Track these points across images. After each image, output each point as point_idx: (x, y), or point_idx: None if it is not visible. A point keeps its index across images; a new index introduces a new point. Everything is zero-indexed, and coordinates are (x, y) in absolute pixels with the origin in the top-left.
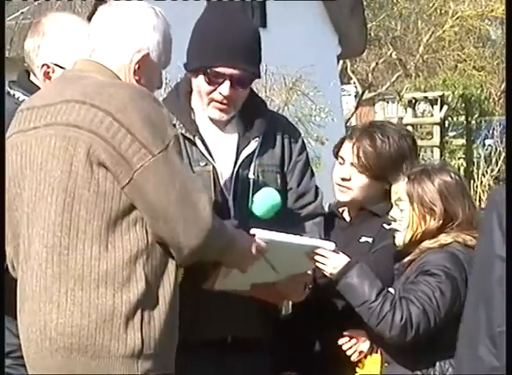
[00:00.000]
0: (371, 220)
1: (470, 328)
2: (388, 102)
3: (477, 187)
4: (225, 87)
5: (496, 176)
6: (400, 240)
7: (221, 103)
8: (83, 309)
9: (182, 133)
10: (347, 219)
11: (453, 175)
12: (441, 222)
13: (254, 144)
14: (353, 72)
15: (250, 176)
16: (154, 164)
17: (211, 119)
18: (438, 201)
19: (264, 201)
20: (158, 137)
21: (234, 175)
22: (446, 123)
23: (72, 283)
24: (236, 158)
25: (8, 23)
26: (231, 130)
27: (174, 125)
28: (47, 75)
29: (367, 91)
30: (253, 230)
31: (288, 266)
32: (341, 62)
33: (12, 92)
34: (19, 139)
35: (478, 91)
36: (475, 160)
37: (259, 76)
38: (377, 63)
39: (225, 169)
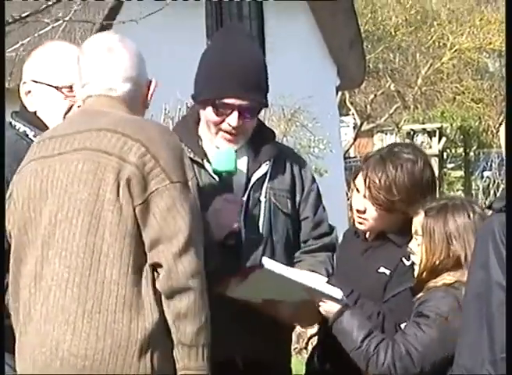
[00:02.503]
0: (390, 248)
1: (471, 356)
2: (386, 134)
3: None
4: (233, 118)
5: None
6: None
7: (229, 133)
8: (99, 333)
9: (190, 158)
10: (367, 236)
11: (471, 215)
12: (447, 262)
13: (265, 168)
14: (351, 103)
15: (262, 199)
16: (170, 189)
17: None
18: (448, 241)
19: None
20: (179, 169)
21: (245, 198)
22: (445, 154)
23: (90, 306)
24: (247, 182)
25: (8, 55)
26: (240, 156)
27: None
28: (27, 93)
29: (365, 123)
30: (264, 260)
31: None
32: (340, 93)
33: (13, 123)
34: (39, 165)
35: (477, 123)
36: (474, 192)
37: (267, 105)
38: (375, 95)
39: (236, 193)
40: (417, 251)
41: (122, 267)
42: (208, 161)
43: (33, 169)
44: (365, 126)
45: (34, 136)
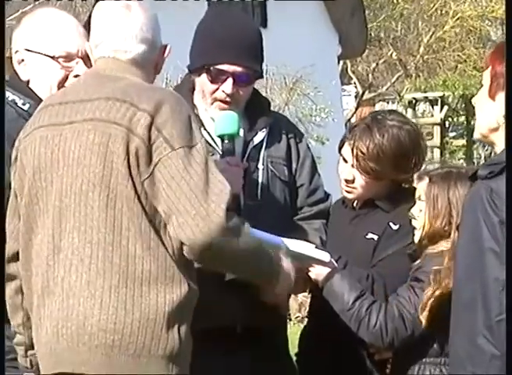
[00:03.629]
0: (378, 214)
1: (467, 322)
2: (388, 103)
3: None
4: (228, 85)
5: None
6: (416, 238)
7: (224, 102)
8: (127, 306)
9: None
10: (355, 205)
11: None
12: (447, 229)
13: (261, 135)
14: (353, 72)
15: (259, 166)
16: (172, 157)
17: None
18: (449, 211)
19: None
20: (184, 135)
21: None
22: (447, 123)
23: (116, 280)
24: (245, 150)
25: (8, 23)
26: None
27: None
28: (20, 62)
29: (367, 92)
30: (251, 231)
31: None
32: (341, 62)
33: None
34: (49, 132)
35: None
36: (475, 160)
37: (262, 75)
38: (377, 64)
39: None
40: (419, 216)
41: (144, 241)
42: (206, 129)
43: (42, 136)
44: (367, 95)
45: (23, 104)
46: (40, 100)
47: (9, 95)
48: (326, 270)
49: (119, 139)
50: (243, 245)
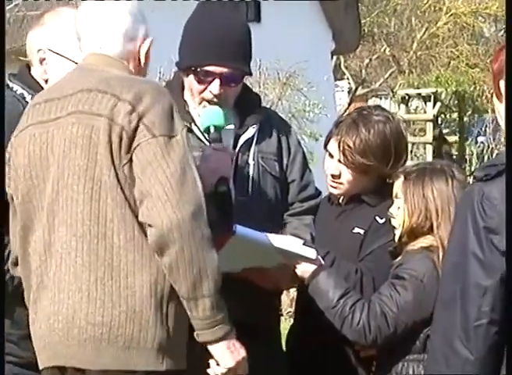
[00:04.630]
0: (364, 209)
1: (445, 323)
2: (381, 98)
3: (468, 183)
4: (215, 86)
5: None
6: (397, 237)
7: (211, 102)
8: (114, 299)
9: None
10: (340, 201)
11: (450, 180)
12: (424, 225)
13: (252, 131)
14: (346, 68)
15: (250, 161)
16: (151, 143)
17: None
18: (426, 206)
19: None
20: (165, 124)
21: (233, 161)
22: (439, 119)
23: (102, 273)
24: (235, 145)
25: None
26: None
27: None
28: (42, 61)
29: (360, 87)
30: (237, 227)
31: (256, 261)
32: (335, 57)
33: (10, 85)
34: (37, 130)
35: (471, 88)
36: (468, 157)
37: (250, 74)
38: (370, 59)
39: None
40: (397, 214)
41: (127, 232)
42: (196, 125)
43: (31, 135)
44: (360, 91)
45: (32, 99)
46: None
47: (18, 89)
48: (312, 267)
49: (102, 130)
50: (201, 254)
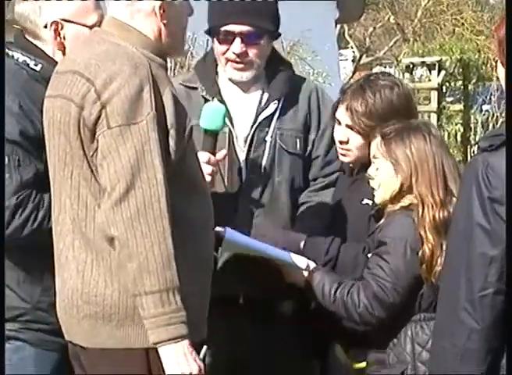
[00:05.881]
0: None
1: (450, 294)
2: (385, 67)
3: (474, 152)
4: (236, 45)
5: None
6: (376, 199)
7: (236, 62)
8: (107, 279)
9: (202, 96)
10: (353, 171)
11: (427, 138)
12: (405, 182)
13: (272, 107)
14: (350, 36)
15: (267, 138)
16: (106, 136)
17: (233, 81)
18: (405, 164)
19: (211, 113)
20: (124, 113)
21: (250, 137)
22: (444, 88)
23: (95, 254)
24: (254, 121)
25: None
26: (254, 92)
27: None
28: (56, 32)
29: (364, 56)
30: (227, 230)
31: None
32: (339, 26)
33: (10, 53)
34: (48, 104)
35: (476, 56)
36: (472, 126)
37: (275, 34)
38: (375, 28)
39: (242, 132)
40: (376, 174)
41: None
42: (221, 99)
43: (46, 109)
44: (364, 60)
45: (35, 65)
46: (54, 61)
47: (19, 56)
48: (302, 275)
49: (74, 119)
50: (142, 250)
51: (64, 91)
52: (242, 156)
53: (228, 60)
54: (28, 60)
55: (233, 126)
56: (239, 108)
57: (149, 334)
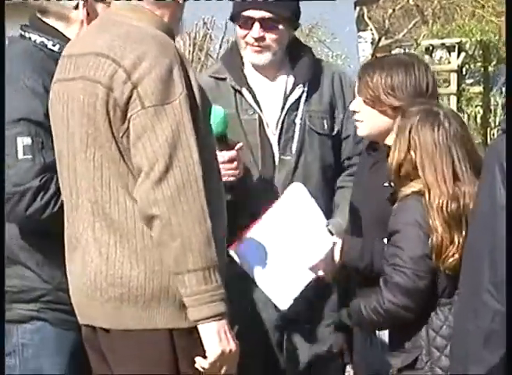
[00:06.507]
0: None
1: (473, 276)
2: (405, 49)
3: (494, 134)
4: (255, 30)
5: None
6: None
7: (254, 46)
8: (132, 261)
9: (231, 85)
10: (374, 149)
11: (436, 129)
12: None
13: (298, 91)
14: (369, 18)
15: (297, 121)
16: (140, 115)
17: (258, 68)
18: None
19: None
20: (158, 93)
21: (280, 121)
22: (464, 70)
23: (119, 236)
24: (283, 105)
25: None
26: (279, 78)
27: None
28: (75, 8)
29: (383, 38)
30: (232, 251)
31: None
32: (358, 8)
33: (27, 35)
34: (61, 87)
35: (496, 38)
36: (492, 108)
37: (293, 22)
38: (394, 9)
39: (272, 117)
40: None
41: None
42: (248, 87)
43: (56, 92)
44: (383, 42)
45: (53, 45)
46: (69, 40)
47: (36, 38)
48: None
49: (102, 100)
50: (185, 228)
51: (86, 72)
52: (274, 140)
53: (247, 44)
54: (46, 41)
55: (262, 112)
56: (266, 94)
57: (191, 312)
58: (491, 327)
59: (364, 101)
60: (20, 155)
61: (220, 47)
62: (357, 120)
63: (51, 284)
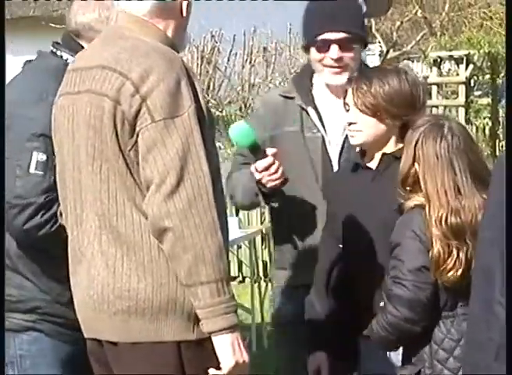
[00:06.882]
0: (396, 165)
1: (484, 287)
2: (413, 61)
3: (502, 146)
4: (333, 52)
5: None
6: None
7: (332, 67)
8: (139, 273)
9: (298, 104)
10: (373, 167)
11: (439, 141)
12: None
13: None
14: (377, 31)
15: (339, 138)
16: (149, 129)
17: (330, 87)
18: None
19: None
20: (167, 106)
21: (342, 142)
22: (472, 82)
23: (126, 249)
24: (345, 126)
25: None
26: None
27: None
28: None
29: (391, 50)
30: None
31: None
32: (366, 20)
33: (59, 53)
34: (66, 101)
35: (504, 49)
36: (501, 119)
37: (365, 41)
38: (402, 22)
39: (335, 136)
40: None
41: (142, 213)
42: (314, 107)
43: (62, 106)
44: (391, 54)
45: None
46: None
47: (68, 57)
48: None
49: (109, 113)
50: (197, 240)
51: (93, 86)
52: (334, 158)
53: (325, 66)
54: None
55: (326, 132)
56: (331, 114)
57: (205, 324)
58: (503, 341)
59: (362, 111)
60: (32, 170)
61: (228, 60)
62: (355, 131)
63: (49, 295)
